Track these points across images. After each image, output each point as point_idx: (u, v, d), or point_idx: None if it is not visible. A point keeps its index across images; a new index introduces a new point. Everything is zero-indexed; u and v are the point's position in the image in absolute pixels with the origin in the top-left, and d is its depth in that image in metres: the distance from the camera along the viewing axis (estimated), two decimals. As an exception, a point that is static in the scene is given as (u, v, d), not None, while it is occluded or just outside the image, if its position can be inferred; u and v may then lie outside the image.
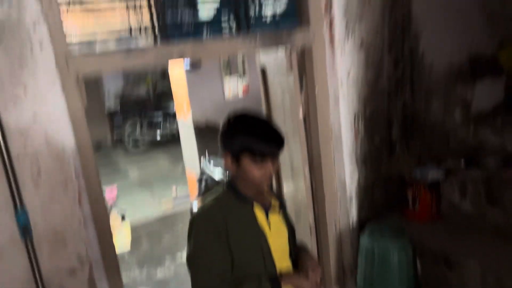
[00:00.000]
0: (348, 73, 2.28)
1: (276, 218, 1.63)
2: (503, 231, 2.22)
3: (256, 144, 1.46)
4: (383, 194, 2.59)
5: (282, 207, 1.71)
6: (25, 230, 1.55)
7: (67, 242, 1.74)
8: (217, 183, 4.47)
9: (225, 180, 1.65)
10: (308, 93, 2.38)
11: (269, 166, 1.51)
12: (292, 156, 2.73)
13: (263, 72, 2.90)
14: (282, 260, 1.63)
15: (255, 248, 1.54)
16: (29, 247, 1.58)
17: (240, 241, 1.51)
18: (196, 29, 1.99)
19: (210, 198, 1.59)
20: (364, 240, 2.26)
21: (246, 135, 1.48)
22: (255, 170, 1.49)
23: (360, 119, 2.38)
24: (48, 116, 1.65)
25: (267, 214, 1.60)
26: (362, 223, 2.50)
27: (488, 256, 2.08)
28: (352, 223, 2.52)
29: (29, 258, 1.57)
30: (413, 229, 2.30)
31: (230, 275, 1.50)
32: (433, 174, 2.46)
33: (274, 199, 1.69)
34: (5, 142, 1.54)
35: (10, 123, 1.57)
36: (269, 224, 1.59)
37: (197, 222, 1.52)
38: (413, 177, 2.50)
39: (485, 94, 2.63)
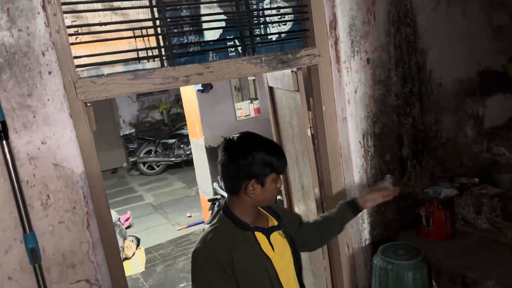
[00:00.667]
0: (355, 91, 2.28)
1: (277, 238, 1.59)
2: (521, 249, 2.16)
3: (277, 162, 1.48)
4: (396, 213, 2.54)
5: (281, 224, 1.65)
6: (34, 254, 1.56)
7: (76, 266, 1.74)
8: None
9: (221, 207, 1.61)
10: (315, 112, 2.38)
11: (281, 181, 1.55)
12: (302, 176, 2.71)
13: (271, 92, 2.91)
14: (289, 280, 1.59)
15: (262, 275, 1.50)
16: (38, 271, 1.58)
17: (246, 269, 1.47)
18: (202, 52, 2.02)
19: (210, 228, 1.54)
20: (378, 260, 2.21)
21: (266, 156, 1.46)
22: (275, 189, 1.52)
23: (369, 137, 2.37)
24: (57, 142, 1.67)
25: (269, 236, 1.55)
26: (375, 244, 2.45)
27: (506, 274, 2.01)
28: (365, 243, 2.47)
29: (38, 282, 1.58)
30: (427, 248, 2.24)
31: None
32: (446, 191, 2.41)
33: (271, 217, 1.64)
34: (14, 167, 1.56)
35: (20, 148, 1.60)
36: (272, 246, 1.55)
37: (199, 256, 1.48)
38: (426, 195, 2.46)
39: (496, 109, 2.60)
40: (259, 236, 1.53)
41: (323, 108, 2.32)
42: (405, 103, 2.47)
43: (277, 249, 1.56)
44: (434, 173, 2.62)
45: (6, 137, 1.54)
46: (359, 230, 2.44)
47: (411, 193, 2.53)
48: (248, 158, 1.44)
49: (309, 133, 2.44)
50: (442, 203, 2.39)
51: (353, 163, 2.35)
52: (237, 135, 1.52)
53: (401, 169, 2.52)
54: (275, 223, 1.62)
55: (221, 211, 1.58)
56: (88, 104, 1.81)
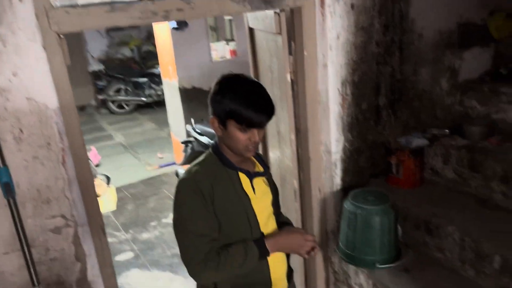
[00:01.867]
0: (338, 37, 2.25)
1: (260, 183, 1.65)
2: (483, 198, 2.28)
3: (243, 112, 1.43)
4: (368, 161, 2.61)
5: (266, 171, 1.71)
6: (7, 188, 1.53)
7: (51, 202, 1.73)
8: (204, 148, 4.46)
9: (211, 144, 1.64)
10: (296, 57, 2.34)
11: (255, 134, 1.48)
12: (279, 122, 2.72)
13: (251, 34, 2.84)
14: (268, 223, 1.66)
15: (240, 213, 1.56)
16: (12, 206, 1.56)
17: (226, 206, 1.52)
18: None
19: (196, 162, 1.59)
20: (348, 205, 2.29)
21: (234, 101, 1.43)
22: (240, 138, 1.47)
23: (348, 85, 2.37)
24: (29, 74, 1.60)
25: (251, 180, 1.61)
26: (346, 189, 2.53)
27: (467, 221, 2.13)
28: (336, 188, 2.55)
29: (13, 217, 1.56)
30: (396, 195, 2.34)
31: (218, 240, 1.51)
32: (418, 141, 2.48)
33: (258, 165, 1.69)
34: (-16, 100, 1.49)
35: (-11, 79, 1.52)
36: (253, 189, 1.60)
37: (183, 187, 1.52)
38: (398, 144, 2.52)
39: (472, 62, 2.64)
40: (242, 176, 1.58)
41: (305, 53, 2.29)
42: (385, 52, 2.46)
43: (258, 192, 1.62)
44: (408, 124, 2.68)
45: (-25, 67, 1.45)
46: (331, 175, 2.50)
47: (384, 142, 2.60)
48: (218, 94, 1.47)
49: (288, 78, 2.42)
50: (413, 153, 2.47)
51: (330, 110, 2.36)
52: (231, 73, 1.53)
53: (376, 118, 2.56)
54: (261, 169, 1.68)
55: (210, 149, 1.61)
56: (61, 37, 1.71)
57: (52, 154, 1.69)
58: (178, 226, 1.52)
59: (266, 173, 1.70)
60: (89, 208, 1.83)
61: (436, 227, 2.21)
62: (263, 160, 1.75)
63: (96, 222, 1.87)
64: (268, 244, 1.56)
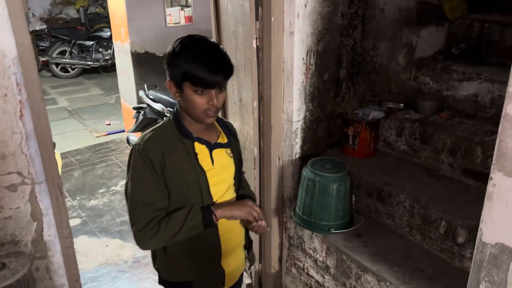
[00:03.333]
0: (305, 5, 2.26)
1: (221, 154, 1.59)
2: (431, 169, 2.43)
3: (197, 72, 1.35)
4: (326, 131, 2.68)
5: (231, 142, 1.65)
6: (-39, 140, 1.43)
7: (7, 157, 1.64)
8: (157, 115, 4.36)
9: (166, 113, 1.58)
10: (263, 23, 2.33)
11: (212, 97, 1.40)
12: (241, 89, 2.71)
13: (216, -1, 2.78)
14: (224, 195, 1.62)
15: (192, 185, 1.51)
16: (-35, 159, 1.46)
17: (177, 176, 1.48)
18: None
19: (152, 128, 1.53)
20: (307, 172, 2.35)
21: (188, 62, 1.36)
22: (197, 101, 1.40)
23: (312, 54, 2.40)
24: (-15, 18, 1.48)
25: (211, 151, 1.55)
26: (304, 158, 2.59)
27: (417, 190, 2.27)
28: (295, 157, 2.60)
29: (-34, 171, 1.46)
30: (350, 164, 2.43)
31: (165, 208, 1.48)
32: (374, 114, 2.58)
33: (223, 135, 1.63)
34: None
35: None
36: (212, 160, 1.55)
37: (133, 153, 1.47)
38: (355, 116, 2.61)
39: (428, 40, 2.75)
40: (199, 147, 1.52)
41: (272, 19, 2.28)
42: (349, 24, 2.51)
43: (217, 164, 1.56)
44: (365, 96, 2.77)
45: None
46: (291, 144, 2.55)
47: (342, 113, 2.67)
48: (173, 56, 1.40)
49: (254, 45, 2.41)
50: (369, 124, 2.57)
51: (294, 79, 2.39)
52: (188, 35, 1.45)
53: (335, 90, 2.63)
54: (224, 140, 1.62)
55: (170, 115, 1.55)
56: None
57: (9, 107, 1.59)
58: (127, 191, 1.48)
59: (231, 145, 1.64)
60: (46, 165, 1.75)
61: (388, 195, 2.33)
62: (231, 130, 1.70)
63: (53, 180, 1.80)
64: (215, 209, 1.52)
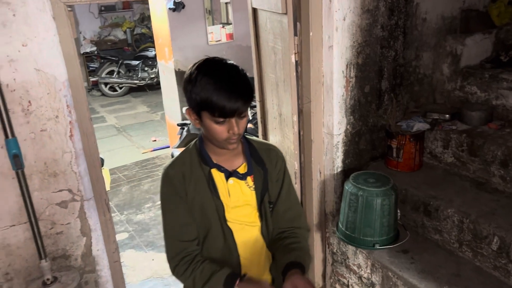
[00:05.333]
0: (344, 19, 2.25)
1: (238, 185, 1.46)
2: (481, 181, 2.32)
3: (215, 102, 1.25)
4: (368, 144, 2.64)
5: (253, 171, 1.47)
6: (17, 160, 1.52)
7: (58, 176, 1.72)
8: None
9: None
10: (301, 38, 2.34)
11: (233, 125, 1.30)
12: (281, 104, 2.72)
13: (254, 14, 2.82)
14: (247, 232, 1.49)
15: (212, 213, 1.43)
16: (21, 178, 1.55)
17: (198, 202, 1.42)
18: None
19: (178, 153, 1.50)
20: (349, 186, 2.32)
21: (204, 90, 1.26)
22: (217, 130, 1.30)
23: (352, 67, 2.38)
24: (39, 45, 1.58)
25: (227, 179, 1.43)
26: (346, 172, 2.56)
27: (466, 204, 2.18)
28: (337, 171, 2.57)
29: (21, 189, 1.55)
30: (395, 178, 2.37)
31: (193, 239, 1.43)
32: (419, 125, 2.51)
33: (245, 164, 1.47)
34: (-6, 69, 1.47)
35: (-1, 49, 1.50)
36: (228, 190, 1.44)
37: (162, 178, 1.43)
38: (399, 128, 2.55)
39: (474, 48, 2.66)
40: (218, 175, 1.43)
41: (310, 34, 2.29)
42: (389, 36, 2.47)
43: (233, 196, 1.45)
44: (408, 108, 2.70)
45: (-15, 35, 1.43)
46: (332, 157, 2.53)
47: (385, 126, 2.62)
48: (189, 83, 1.30)
49: (293, 59, 2.42)
50: (413, 136, 2.50)
51: (334, 92, 2.37)
52: (203, 58, 1.35)
53: (377, 102, 2.58)
54: (244, 170, 1.46)
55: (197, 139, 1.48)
56: (69, 9, 1.69)
57: (60, 127, 1.68)
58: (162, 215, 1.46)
59: (251, 173, 1.47)
60: (95, 183, 1.83)
61: (435, 209, 2.25)
62: (261, 157, 1.49)
63: (101, 197, 1.87)
64: (239, 285, 1.37)
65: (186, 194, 1.39)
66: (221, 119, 1.27)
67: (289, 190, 1.55)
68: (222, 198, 1.42)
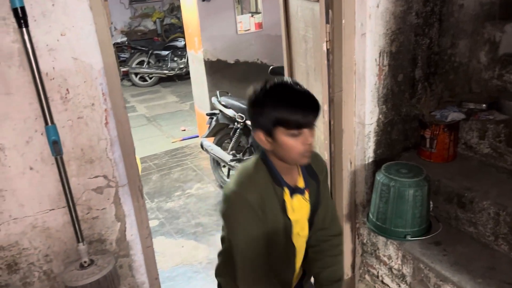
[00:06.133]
0: (377, 6, 2.20)
1: (299, 200, 1.52)
2: (519, 173, 2.25)
3: (290, 115, 1.30)
4: (401, 134, 2.59)
5: (308, 184, 1.55)
6: (56, 147, 1.56)
7: (94, 162, 1.77)
8: (229, 120, 4.46)
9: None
10: (333, 26, 2.31)
11: (307, 136, 1.34)
12: (312, 92, 2.70)
13: (285, 3, 2.80)
14: (301, 244, 1.60)
15: (280, 230, 1.47)
16: (60, 164, 1.60)
17: (271, 223, 1.44)
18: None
19: (245, 171, 1.46)
20: (381, 177, 2.29)
21: (277, 108, 1.31)
22: (293, 145, 1.34)
23: (385, 55, 2.34)
24: (76, 35, 1.62)
25: (291, 195, 1.49)
26: (377, 162, 2.53)
27: (502, 196, 2.12)
28: (368, 161, 2.54)
29: (60, 174, 1.60)
30: (428, 168, 2.32)
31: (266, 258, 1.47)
32: (454, 115, 2.45)
33: (301, 178, 1.54)
34: (35, 57, 1.51)
35: (39, 38, 1.54)
36: (292, 206, 1.49)
37: (234, 200, 1.41)
38: (433, 118, 2.49)
39: (514, 36, 2.56)
40: (286, 192, 1.47)
41: (343, 21, 2.25)
42: (424, 23, 2.41)
43: (296, 209, 1.51)
44: (443, 97, 2.64)
45: (26, 25, 1.47)
46: (363, 147, 2.50)
47: (418, 115, 2.57)
48: (257, 106, 1.35)
49: (324, 48, 2.39)
50: (448, 126, 2.44)
51: (366, 81, 2.34)
52: (263, 82, 1.39)
53: (411, 91, 2.53)
54: (301, 185, 1.53)
55: (258, 156, 1.49)
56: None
57: (96, 115, 1.72)
58: (233, 238, 1.47)
59: (308, 187, 1.54)
60: (129, 169, 1.87)
61: (470, 201, 2.20)
62: (312, 168, 1.56)
63: (135, 183, 1.91)
64: None
65: (265, 216, 1.41)
66: (296, 132, 1.32)
67: (329, 194, 1.65)
68: (289, 215, 1.46)
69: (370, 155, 2.53)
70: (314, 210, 1.56)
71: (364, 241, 2.59)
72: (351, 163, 2.56)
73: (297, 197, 1.50)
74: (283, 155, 1.38)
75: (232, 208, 1.42)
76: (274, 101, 1.32)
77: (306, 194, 1.53)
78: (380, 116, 2.45)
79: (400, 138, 2.60)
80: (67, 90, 1.63)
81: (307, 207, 1.55)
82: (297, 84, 1.38)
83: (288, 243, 1.52)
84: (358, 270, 2.73)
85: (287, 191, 1.46)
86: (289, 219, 1.47)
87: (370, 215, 2.43)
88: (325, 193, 1.63)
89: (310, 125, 1.34)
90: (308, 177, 1.54)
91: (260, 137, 1.38)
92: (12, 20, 1.47)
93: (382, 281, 2.50)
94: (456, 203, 2.28)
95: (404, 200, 2.21)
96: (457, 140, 2.52)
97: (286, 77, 1.40)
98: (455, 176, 2.37)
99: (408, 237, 2.26)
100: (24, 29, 1.46)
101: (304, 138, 1.34)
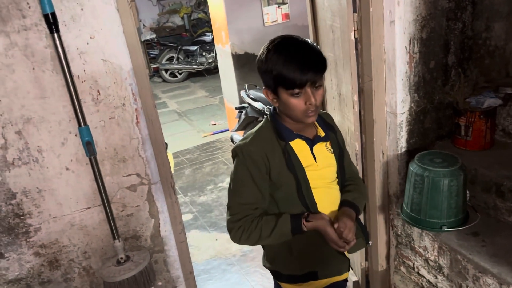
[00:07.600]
0: (407, -8, 2.14)
1: (322, 149, 1.56)
2: (562, 160, 2.15)
3: (287, 74, 1.32)
4: (434, 122, 2.52)
5: (329, 135, 1.60)
6: (89, 147, 1.61)
7: (127, 161, 1.81)
8: (258, 113, 4.47)
9: (267, 111, 1.58)
10: (361, 14, 2.26)
11: (309, 96, 1.35)
12: (340, 83, 2.67)
13: (312, -6, 2.76)
14: (329, 193, 1.60)
15: (291, 183, 1.49)
16: (94, 163, 1.65)
17: (279, 174, 1.47)
18: None
19: (254, 129, 1.54)
20: (414, 167, 2.24)
21: (276, 66, 1.33)
22: (295, 104, 1.37)
23: (416, 42, 2.27)
24: (105, 37, 1.65)
25: (312, 146, 1.53)
26: (410, 152, 2.47)
27: (544, 184, 2.03)
28: (400, 151, 2.49)
29: (94, 174, 1.65)
30: (463, 157, 2.25)
31: (262, 208, 1.50)
32: (490, 101, 2.35)
33: (320, 129, 1.59)
34: (66, 61, 1.56)
35: (70, 42, 1.59)
36: (314, 156, 1.53)
37: (238, 153, 1.48)
38: (468, 105, 2.41)
39: (554, 16, 2.43)
40: (300, 144, 1.51)
41: (371, 9, 2.20)
42: (456, 7, 2.32)
43: (319, 159, 1.54)
44: (478, 83, 2.54)
45: (57, 30, 1.51)
46: (396, 137, 2.44)
47: (452, 103, 2.49)
48: (263, 63, 1.38)
49: (352, 37, 2.35)
50: (484, 113, 2.35)
51: (396, 69, 2.28)
52: (274, 38, 1.42)
53: (444, 78, 2.45)
54: (322, 134, 1.57)
55: (268, 115, 1.55)
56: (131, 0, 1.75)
57: (126, 115, 1.76)
58: (229, 190, 1.52)
59: (329, 138, 1.59)
60: (161, 167, 1.90)
61: (509, 190, 2.12)
62: (327, 121, 1.64)
63: (167, 180, 1.94)
64: (306, 224, 1.48)
65: (269, 171, 1.45)
66: (296, 91, 1.33)
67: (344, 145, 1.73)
68: (305, 164, 1.49)
69: (402, 145, 2.48)
70: (340, 157, 1.62)
71: (399, 233, 2.54)
72: (383, 153, 2.52)
73: (320, 147, 1.54)
74: (288, 113, 1.42)
75: (236, 160, 1.48)
76: (274, 60, 1.34)
77: (329, 144, 1.59)
78: (412, 105, 2.39)
79: (434, 126, 2.53)
80: (98, 91, 1.68)
81: (332, 157, 1.59)
82: (302, 41, 1.37)
83: (305, 193, 1.52)
84: (393, 261, 2.69)
85: (300, 142, 1.49)
86: (301, 166, 1.48)
87: (404, 206, 2.38)
88: (344, 145, 1.71)
89: (311, 84, 1.34)
90: (326, 128, 1.60)
91: (267, 94, 1.43)
92: (44, 26, 1.52)
93: (418, 273, 2.46)
94: (495, 193, 2.21)
95: (439, 191, 2.16)
96: (494, 127, 2.43)
97: (296, 36, 1.41)
98: (493, 165, 2.28)
99: (444, 228, 2.20)
100: (55, 34, 1.50)
101: (306, 97, 1.35)
